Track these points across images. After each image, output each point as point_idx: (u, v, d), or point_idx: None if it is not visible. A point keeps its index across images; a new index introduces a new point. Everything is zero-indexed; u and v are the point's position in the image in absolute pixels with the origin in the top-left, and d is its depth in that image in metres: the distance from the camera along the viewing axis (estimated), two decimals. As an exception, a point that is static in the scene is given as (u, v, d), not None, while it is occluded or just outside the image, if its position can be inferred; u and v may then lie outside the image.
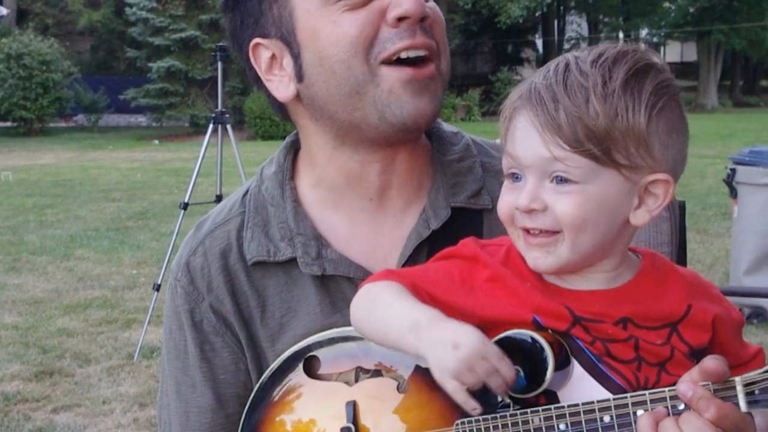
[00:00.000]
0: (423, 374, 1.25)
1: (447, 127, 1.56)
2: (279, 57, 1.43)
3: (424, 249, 1.42)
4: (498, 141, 1.34)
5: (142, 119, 31.09)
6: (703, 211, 11.06)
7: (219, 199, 6.79)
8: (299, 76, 1.41)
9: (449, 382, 1.14)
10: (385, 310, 1.23)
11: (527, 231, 1.21)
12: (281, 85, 1.44)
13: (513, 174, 1.22)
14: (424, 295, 1.24)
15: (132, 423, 5.08)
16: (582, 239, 1.18)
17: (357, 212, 1.48)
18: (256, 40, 1.44)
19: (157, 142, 25.90)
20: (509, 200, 1.22)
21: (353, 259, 1.44)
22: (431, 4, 1.40)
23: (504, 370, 1.13)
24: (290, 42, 1.41)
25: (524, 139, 1.19)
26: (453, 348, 1.13)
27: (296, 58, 1.41)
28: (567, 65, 1.20)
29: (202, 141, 6.68)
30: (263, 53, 1.45)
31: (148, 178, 16.56)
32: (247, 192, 1.54)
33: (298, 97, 1.44)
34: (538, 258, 1.21)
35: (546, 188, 1.19)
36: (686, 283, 1.25)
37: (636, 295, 1.22)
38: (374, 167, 1.45)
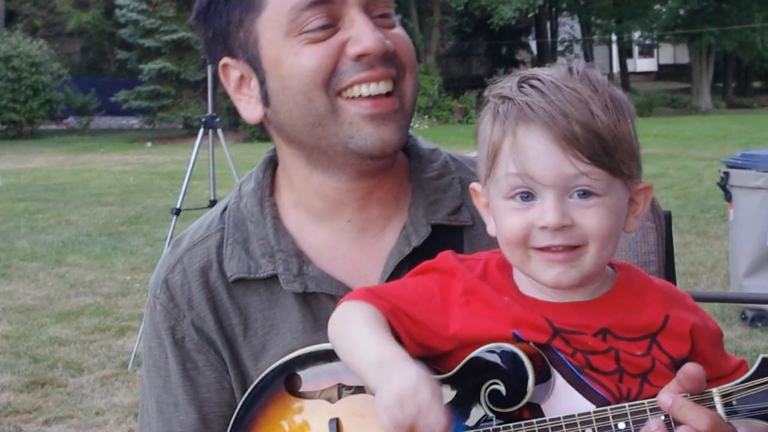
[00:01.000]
0: None
1: (424, 143, 1.56)
2: (247, 78, 1.45)
3: (406, 266, 1.42)
4: (474, 154, 1.36)
5: (134, 121, 31.05)
6: (702, 214, 11.08)
7: (212, 204, 6.71)
8: (265, 101, 1.43)
9: (379, 416, 1.13)
10: (358, 338, 1.23)
11: (547, 249, 1.20)
12: (249, 107, 1.46)
13: (524, 194, 1.21)
14: (403, 318, 1.25)
15: (126, 434, 5.00)
16: (606, 250, 1.22)
17: (337, 230, 1.48)
18: (225, 59, 1.46)
19: (149, 144, 25.85)
20: (523, 221, 1.21)
21: (335, 276, 1.45)
22: (394, 30, 1.41)
23: (434, 413, 1.11)
24: (256, 67, 1.42)
25: (541, 157, 1.19)
26: (387, 381, 1.13)
27: (262, 83, 1.42)
28: (551, 82, 1.21)
29: (195, 143, 6.60)
30: (232, 72, 1.46)
31: (141, 181, 16.51)
32: (225, 208, 1.54)
33: (266, 118, 1.45)
34: (561, 273, 1.21)
35: (570, 204, 1.19)
36: (662, 294, 1.28)
37: (614, 307, 1.24)
38: (350, 192, 1.46)
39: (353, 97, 1.37)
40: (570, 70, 1.23)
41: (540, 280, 1.22)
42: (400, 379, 1.12)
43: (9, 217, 12.39)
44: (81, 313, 7.40)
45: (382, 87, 1.37)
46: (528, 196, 1.21)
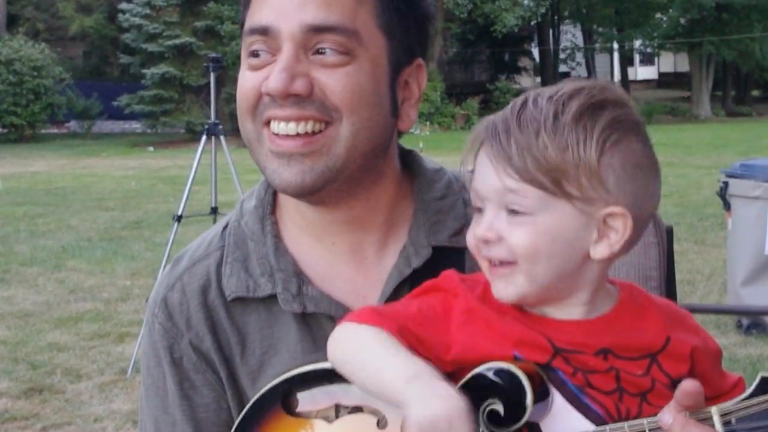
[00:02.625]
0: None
1: (429, 163, 1.55)
2: None
3: (405, 288, 1.41)
4: None
5: (136, 126, 31.07)
6: (700, 222, 11.10)
7: (214, 211, 6.71)
8: None
9: (409, 428, 1.12)
10: (379, 360, 1.22)
11: (490, 261, 1.24)
12: None
13: (477, 207, 1.25)
14: (411, 338, 1.25)
15: (125, 441, 4.99)
16: (537, 270, 1.21)
17: (331, 250, 1.47)
18: None
19: (152, 149, 25.86)
20: (471, 234, 1.25)
21: (334, 297, 1.44)
22: (332, 70, 1.34)
23: None
24: None
25: (482, 171, 1.23)
26: (423, 399, 1.13)
27: None
28: (525, 100, 1.23)
29: (197, 150, 6.61)
30: None
31: (143, 186, 16.51)
32: (226, 226, 1.53)
33: None
34: (500, 289, 1.24)
35: (501, 219, 1.22)
36: (663, 315, 1.27)
37: (615, 327, 1.24)
38: (322, 215, 1.45)
39: (272, 132, 1.36)
40: (559, 90, 1.23)
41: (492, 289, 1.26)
42: (439, 403, 1.12)
43: (9, 222, 12.37)
44: (80, 318, 7.39)
45: (291, 128, 1.34)
46: (480, 210, 1.25)
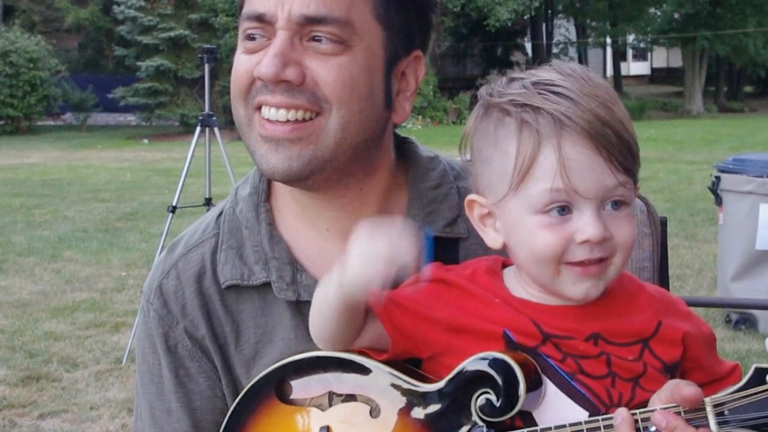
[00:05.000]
0: (396, 399, 1.27)
1: (424, 151, 1.53)
2: None
3: None
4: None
5: (131, 118, 30.95)
6: (691, 217, 11.09)
7: (208, 202, 6.77)
8: None
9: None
10: (318, 295, 1.27)
11: (581, 263, 1.19)
12: None
13: (561, 207, 1.18)
14: (390, 307, 1.25)
15: (120, 429, 5.05)
16: (628, 258, 1.22)
17: (324, 236, 1.46)
18: None
19: (146, 141, 25.77)
20: (561, 236, 1.18)
21: None
22: (325, 60, 1.34)
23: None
24: None
25: (585, 169, 1.16)
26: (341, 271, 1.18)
27: None
28: (573, 88, 1.18)
29: (191, 142, 6.65)
30: None
31: (138, 178, 16.49)
32: (221, 213, 1.52)
33: None
34: (591, 287, 1.20)
35: (605, 215, 1.18)
36: (655, 300, 1.27)
37: (605, 312, 1.23)
38: (314, 201, 1.45)
39: (262, 116, 1.37)
40: (573, 72, 1.21)
41: (567, 293, 1.20)
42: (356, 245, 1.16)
43: (6, 213, 12.37)
44: (76, 308, 7.44)
45: (282, 114, 1.34)
46: (564, 209, 1.18)
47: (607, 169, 1.16)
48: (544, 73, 1.22)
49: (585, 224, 1.16)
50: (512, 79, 1.24)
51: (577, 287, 1.19)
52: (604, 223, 1.17)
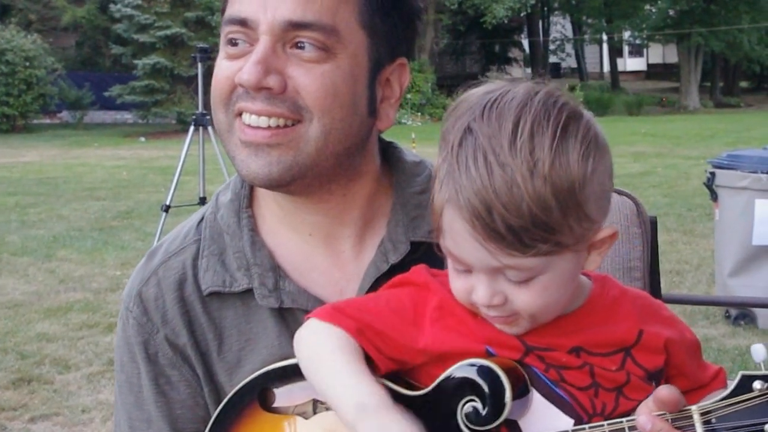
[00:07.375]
0: None
1: (410, 156, 1.52)
2: None
3: (383, 283, 1.38)
4: None
5: (128, 116, 30.95)
6: (688, 212, 11.12)
7: (202, 201, 6.75)
8: None
9: None
10: (331, 376, 1.20)
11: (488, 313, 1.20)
12: None
13: (463, 270, 1.18)
14: (371, 335, 1.22)
15: (111, 432, 5.02)
16: (543, 316, 1.19)
17: (307, 242, 1.45)
18: None
19: (143, 139, 25.77)
20: (463, 287, 1.19)
21: (311, 291, 1.42)
22: (309, 67, 1.32)
23: None
24: None
25: (467, 247, 1.13)
26: (366, 429, 1.12)
27: None
28: (483, 152, 1.10)
29: (185, 141, 6.64)
30: None
31: (134, 176, 16.47)
32: (202, 219, 1.50)
33: None
34: (504, 328, 1.21)
35: (500, 283, 1.16)
36: (636, 308, 1.25)
37: (586, 323, 1.22)
38: (296, 205, 1.43)
39: (243, 122, 1.35)
40: (515, 125, 1.10)
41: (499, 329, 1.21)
42: None
43: (0, 211, 12.34)
44: (70, 309, 7.39)
45: (262, 121, 1.33)
46: (467, 271, 1.18)
47: (485, 252, 1.12)
48: (486, 117, 1.13)
49: (477, 286, 1.16)
50: (483, 97, 1.16)
51: (496, 324, 1.20)
52: (498, 290, 1.15)
